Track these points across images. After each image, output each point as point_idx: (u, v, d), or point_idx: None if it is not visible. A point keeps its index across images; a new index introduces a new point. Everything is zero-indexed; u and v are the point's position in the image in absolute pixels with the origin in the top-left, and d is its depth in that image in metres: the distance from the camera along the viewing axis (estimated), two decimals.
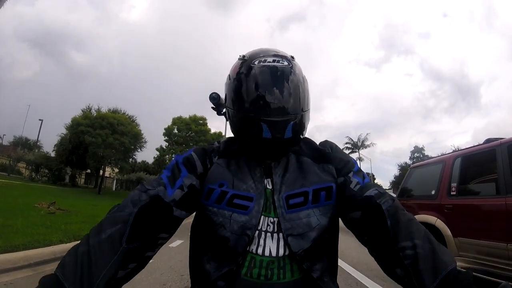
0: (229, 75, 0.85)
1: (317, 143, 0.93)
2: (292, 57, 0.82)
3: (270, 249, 0.78)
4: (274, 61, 0.78)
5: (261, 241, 0.78)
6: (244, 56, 0.82)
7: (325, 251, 0.83)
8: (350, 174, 0.84)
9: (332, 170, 0.85)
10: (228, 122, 0.88)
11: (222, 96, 0.92)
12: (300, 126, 0.80)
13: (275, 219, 0.79)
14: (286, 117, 0.76)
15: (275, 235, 0.79)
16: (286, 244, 0.78)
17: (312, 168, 0.85)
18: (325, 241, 0.83)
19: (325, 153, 0.88)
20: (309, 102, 0.83)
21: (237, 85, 0.80)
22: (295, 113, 0.77)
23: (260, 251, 0.78)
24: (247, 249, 0.77)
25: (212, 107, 1.00)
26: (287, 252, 0.78)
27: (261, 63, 0.77)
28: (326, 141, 0.93)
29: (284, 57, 0.79)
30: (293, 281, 0.78)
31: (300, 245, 0.78)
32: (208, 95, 0.99)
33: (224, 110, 0.94)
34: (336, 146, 0.93)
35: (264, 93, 0.75)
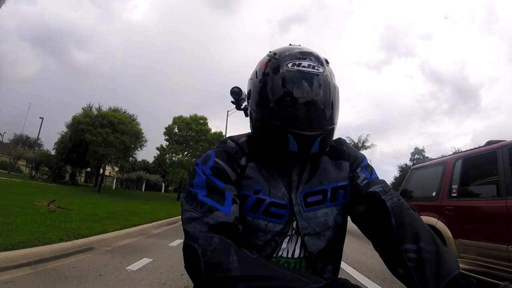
0: (256, 72, 0.79)
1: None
2: (327, 61, 0.76)
3: (288, 250, 0.77)
4: (309, 66, 0.71)
5: (283, 244, 0.77)
6: (275, 54, 0.75)
7: (335, 251, 0.83)
8: (358, 169, 0.84)
9: (347, 167, 0.84)
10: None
11: (244, 89, 0.88)
12: (328, 140, 0.75)
13: (294, 221, 0.77)
14: (316, 132, 0.70)
15: (293, 236, 0.78)
16: (302, 244, 0.77)
17: (329, 165, 0.84)
18: (338, 241, 0.82)
19: (342, 150, 0.87)
20: (339, 113, 0.76)
21: (264, 87, 0.73)
22: (325, 127, 0.72)
23: (278, 252, 0.77)
24: (274, 255, 0.76)
25: (232, 101, 0.95)
26: (303, 254, 0.77)
27: (295, 67, 0.70)
28: (339, 138, 0.91)
29: (319, 61, 0.73)
30: None
31: (316, 245, 0.77)
32: (229, 90, 0.93)
33: (244, 105, 0.90)
34: (347, 142, 0.91)
35: (295, 103, 0.69)
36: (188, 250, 0.62)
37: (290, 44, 0.83)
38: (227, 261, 0.57)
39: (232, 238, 0.65)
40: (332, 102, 0.73)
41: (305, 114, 0.69)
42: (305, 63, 0.71)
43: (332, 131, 0.75)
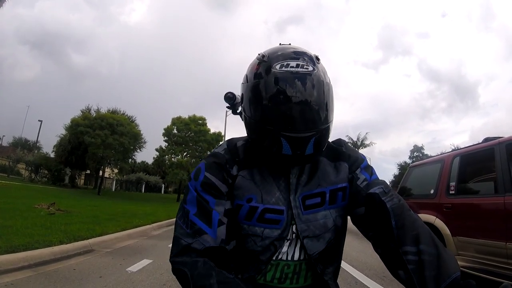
0: (246, 75, 0.78)
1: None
2: (317, 58, 0.74)
3: (287, 253, 0.77)
4: (298, 65, 0.69)
5: (284, 248, 0.77)
6: (263, 56, 0.74)
7: (336, 253, 0.82)
8: (358, 171, 0.84)
9: (346, 168, 0.83)
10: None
11: (237, 93, 0.87)
12: (323, 140, 0.73)
13: (294, 225, 0.77)
14: (309, 133, 0.69)
15: (294, 240, 0.78)
16: (302, 246, 0.77)
17: (328, 167, 0.83)
18: (338, 243, 0.82)
19: (341, 151, 0.86)
20: (333, 111, 0.74)
21: (255, 91, 0.72)
22: (318, 128, 0.70)
23: (278, 256, 0.77)
24: (273, 258, 0.76)
25: (228, 106, 0.93)
26: (302, 256, 0.77)
27: (284, 68, 0.69)
28: (339, 139, 0.91)
29: (309, 60, 0.71)
30: (305, 286, 0.78)
31: (315, 247, 0.77)
32: (223, 95, 0.91)
33: (240, 109, 0.88)
34: (347, 143, 0.91)
35: (286, 105, 0.67)
36: (180, 274, 0.68)
37: (280, 44, 0.81)
38: (209, 283, 0.63)
39: (219, 259, 0.70)
40: (325, 101, 0.71)
41: (296, 116, 0.68)
42: (293, 63, 0.69)
43: (326, 130, 0.73)
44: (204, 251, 0.68)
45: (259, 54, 0.76)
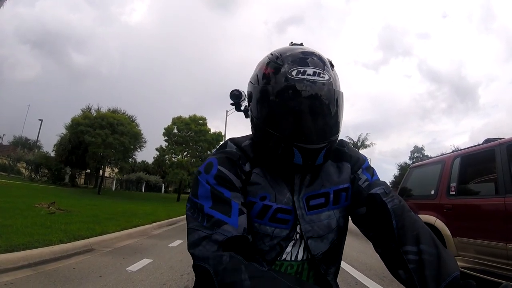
0: (256, 75, 0.76)
1: None
2: (332, 64, 0.73)
3: (291, 253, 0.77)
4: (314, 73, 0.67)
5: (288, 248, 0.77)
6: (277, 58, 0.71)
7: (337, 253, 0.83)
8: (360, 171, 0.84)
9: (348, 169, 0.84)
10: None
11: (243, 90, 0.85)
12: (332, 149, 0.74)
13: (298, 225, 0.77)
14: (322, 145, 0.69)
15: (298, 240, 0.78)
16: (305, 247, 0.77)
17: (331, 168, 0.83)
18: (340, 243, 0.82)
19: (343, 152, 0.86)
20: (343, 120, 0.74)
21: (266, 95, 0.70)
22: (331, 139, 0.71)
23: (282, 256, 0.77)
24: (278, 258, 0.76)
25: (232, 103, 0.90)
26: (305, 256, 0.77)
27: (300, 75, 0.67)
28: (341, 140, 0.90)
29: (325, 67, 0.69)
30: None
31: (319, 248, 0.77)
32: (229, 93, 0.88)
33: (244, 105, 0.86)
34: (348, 144, 0.91)
35: (300, 116, 0.67)
36: (200, 270, 0.62)
37: (291, 43, 0.80)
38: (240, 279, 0.57)
39: (242, 250, 0.65)
40: (338, 112, 0.71)
41: (310, 127, 0.68)
42: (310, 71, 0.67)
43: (336, 140, 0.74)
44: (227, 242, 0.63)
45: (272, 54, 0.74)
